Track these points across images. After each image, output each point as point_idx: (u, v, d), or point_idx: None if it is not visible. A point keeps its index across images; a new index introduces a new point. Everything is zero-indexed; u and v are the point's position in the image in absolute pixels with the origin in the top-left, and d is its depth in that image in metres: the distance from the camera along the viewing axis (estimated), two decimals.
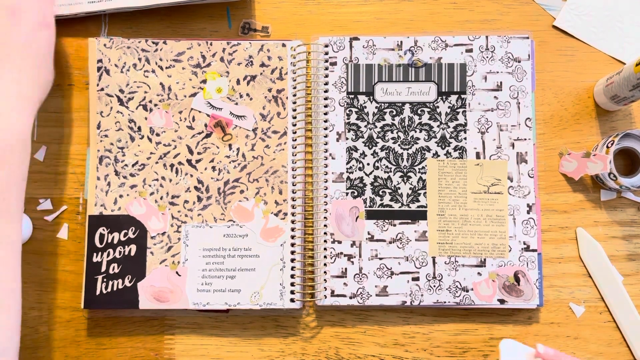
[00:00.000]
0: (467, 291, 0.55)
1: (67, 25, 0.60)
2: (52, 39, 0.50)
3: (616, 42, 0.60)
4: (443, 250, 0.56)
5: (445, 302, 0.55)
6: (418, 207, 0.57)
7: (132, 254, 0.56)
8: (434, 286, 0.56)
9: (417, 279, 0.56)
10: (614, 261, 0.57)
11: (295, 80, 0.57)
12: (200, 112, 0.57)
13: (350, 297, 0.56)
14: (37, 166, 0.59)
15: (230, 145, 0.57)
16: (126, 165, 0.57)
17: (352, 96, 0.58)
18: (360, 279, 0.56)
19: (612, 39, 0.60)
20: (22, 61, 0.47)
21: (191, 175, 0.57)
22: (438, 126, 0.57)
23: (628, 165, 0.58)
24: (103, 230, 0.56)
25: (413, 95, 0.57)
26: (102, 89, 0.57)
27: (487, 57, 0.58)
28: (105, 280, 0.55)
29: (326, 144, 0.57)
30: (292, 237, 0.56)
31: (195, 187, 0.56)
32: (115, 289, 0.55)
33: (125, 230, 0.56)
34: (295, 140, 0.57)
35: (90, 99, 0.57)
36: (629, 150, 0.57)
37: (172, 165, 0.57)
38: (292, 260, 0.56)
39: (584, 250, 0.57)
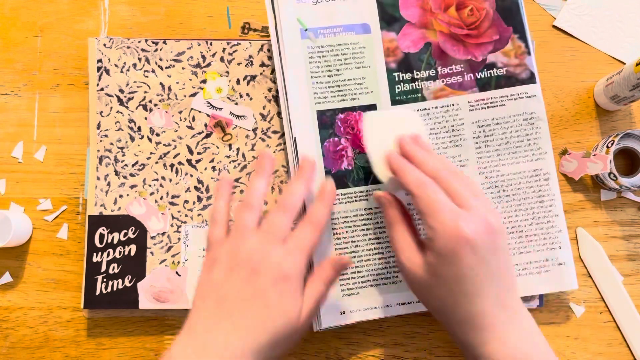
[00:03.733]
0: None
1: (67, 24, 0.60)
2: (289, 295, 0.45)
3: (616, 42, 0.60)
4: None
5: None
6: None
7: (132, 254, 0.56)
8: None
9: None
10: (614, 261, 0.57)
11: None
12: (200, 112, 0.57)
13: None
14: (37, 166, 0.59)
15: (230, 145, 0.57)
16: (126, 165, 0.57)
17: None
18: None
19: (612, 39, 0.60)
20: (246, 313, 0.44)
21: (191, 175, 0.57)
22: None
23: (628, 165, 0.58)
24: (103, 230, 0.56)
25: None
26: (102, 89, 0.57)
27: None
28: (105, 280, 0.55)
29: None
30: None
31: (195, 187, 0.56)
32: (115, 289, 0.55)
33: (125, 230, 0.56)
34: None
35: (90, 99, 0.57)
36: (629, 150, 0.57)
37: (172, 165, 0.57)
38: None
39: (584, 250, 0.57)
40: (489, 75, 0.56)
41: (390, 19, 0.56)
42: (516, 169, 0.55)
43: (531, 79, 0.55)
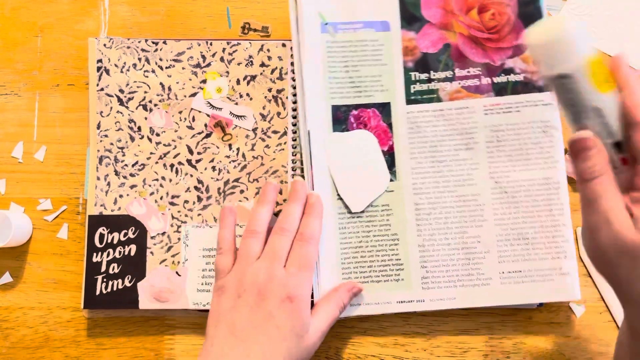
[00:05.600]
0: None
1: (67, 24, 0.60)
2: (296, 312, 0.47)
3: (616, 42, 0.60)
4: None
5: None
6: None
7: (132, 254, 0.56)
8: None
9: None
10: None
11: (295, 80, 0.57)
12: (200, 112, 0.57)
13: None
14: (37, 166, 0.59)
15: (230, 145, 0.57)
16: (126, 165, 0.57)
17: None
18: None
19: (612, 39, 0.60)
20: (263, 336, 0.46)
21: (191, 175, 0.57)
22: None
23: None
24: (103, 230, 0.56)
25: None
26: (102, 89, 0.57)
27: None
28: (105, 280, 0.55)
29: None
30: None
31: (195, 187, 0.56)
32: (115, 289, 0.55)
33: (125, 230, 0.56)
34: (295, 140, 0.57)
35: (90, 99, 0.57)
36: None
37: (172, 165, 0.57)
38: None
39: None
40: (506, 80, 0.55)
41: (411, 18, 0.56)
42: (527, 176, 0.54)
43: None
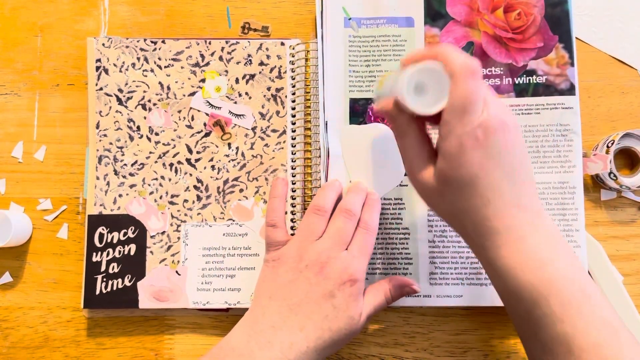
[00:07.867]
0: None
1: (67, 24, 0.60)
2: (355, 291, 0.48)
3: (616, 42, 0.60)
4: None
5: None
6: None
7: (132, 253, 0.56)
8: None
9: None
10: (614, 261, 0.57)
11: (294, 79, 0.57)
12: (199, 111, 0.57)
13: None
14: (37, 166, 0.59)
15: (229, 144, 0.57)
16: (125, 164, 0.57)
17: None
18: None
19: (612, 39, 0.60)
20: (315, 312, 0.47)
21: (190, 175, 0.57)
22: None
23: (628, 165, 0.58)
24: (102, 229, 0.56)
25: None
26: (100, 89, 0.57)
27: None
28: (104, 279, 0.55)
29: None
30: (292, 235, 0.56)
31: (195, 186, 0.56)
32: (115, 288, 0.55)
33: (125, 230, 0.56)
34: (295, 139, 0.57)
35: (89, 98, 0.57)
36: (629, 150, 0.57)
37: (171, 165, 0.57)
38: None
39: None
40: (527, 81, 0.55)
41: (435, 14, 0.56)
42: (542, 179, 0.54)
43: (570, 91, 0.55)
